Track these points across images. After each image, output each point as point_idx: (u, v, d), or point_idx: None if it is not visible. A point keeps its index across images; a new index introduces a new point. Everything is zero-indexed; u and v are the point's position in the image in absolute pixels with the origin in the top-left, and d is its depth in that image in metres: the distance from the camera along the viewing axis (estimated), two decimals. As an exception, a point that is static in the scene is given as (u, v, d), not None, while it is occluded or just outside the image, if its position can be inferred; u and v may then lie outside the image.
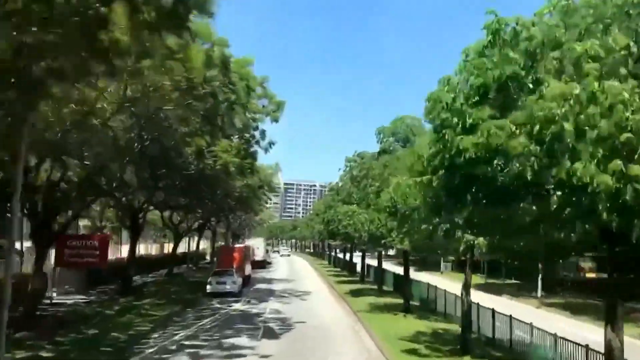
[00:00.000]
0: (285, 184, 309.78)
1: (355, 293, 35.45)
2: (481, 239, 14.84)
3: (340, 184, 34.16)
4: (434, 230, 14.76)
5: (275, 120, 32.31)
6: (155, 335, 21.09)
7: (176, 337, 20.60)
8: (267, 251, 74.08)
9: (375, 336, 20.68)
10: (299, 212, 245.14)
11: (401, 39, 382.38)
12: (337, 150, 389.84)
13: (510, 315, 18.49)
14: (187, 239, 71.21)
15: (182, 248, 73.30)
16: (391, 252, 54.50)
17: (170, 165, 29.76)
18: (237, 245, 44.04)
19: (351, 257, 53.40)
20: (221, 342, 19.80)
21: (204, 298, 33.06)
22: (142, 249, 55.93)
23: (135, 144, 23.47)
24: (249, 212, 70.44)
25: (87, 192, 22.73)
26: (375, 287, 39.11)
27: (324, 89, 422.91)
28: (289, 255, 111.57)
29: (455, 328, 22.12)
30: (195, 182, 32.69)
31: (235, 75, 20.39)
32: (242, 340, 20.21)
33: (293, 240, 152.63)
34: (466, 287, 18.44)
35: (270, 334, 21.45)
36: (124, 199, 33.32)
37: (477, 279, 51.60)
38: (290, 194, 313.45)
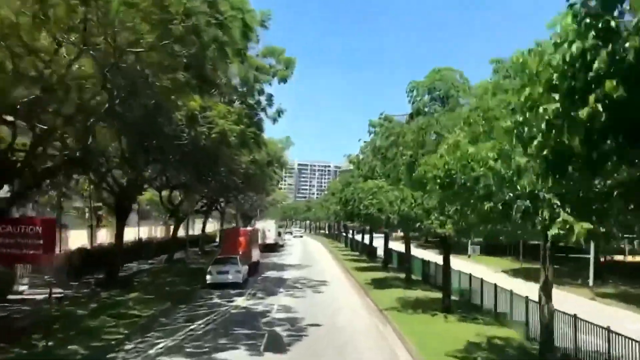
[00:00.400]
0: (299, 164, 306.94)
1: (379, 283, 30.51)
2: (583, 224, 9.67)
3: (361, 157, 29.01)
4: (507, 207, 9.84)
5: (284, 79, 27.12)
6: (129, 346, 16.37)
7: (153, 350, 15.84)
8: (279, 233, 69.30)
9: (413, 348, 15.73)
10: (313, 193, 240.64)
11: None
12: (352, 131, 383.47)
13: (575, 316, 13.52)
14: (193, 221, 66.90)
15: (191, 231, 69.22)
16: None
17: (157, 134, 24.89)
18: (242, 229, 39.17)
19: (371, 240, 48.35)
20: (212, 359, 15.03)
21: (202, 290, 28.38)
22: (144, 232, 51.54)
23: (107, 103, 18.49)
24: (261, 193, 65.77)
25: (40, 163, 17.89)
26: (400, 275, 34.13)
27: (339, 63, 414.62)
28: (301, 237, 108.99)
29: (514, 335, 17.13)
30: (191, 155, 27.81)
31: (225, 4, 15.20)
32: (239, 355, 15.41)
33: (307, 222, 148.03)
34: (546, 289, 13.26)
35: (276, 345, 16.58)
36: (109, 178, 28.57)
37: (508, 263, 46.63)
38: (304, 175, 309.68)
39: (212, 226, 77.69)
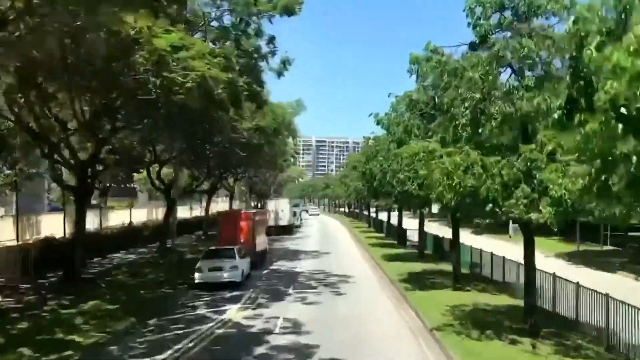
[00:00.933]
0: (317, 141, 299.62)
1: (417, 281, 23.56)
2: None
3: (392, 115, 21.87)
4: None
5: (291, 11, 20.04)
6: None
7: None
8: (294, 214, 62.44)
9: None
10: (332, 170, 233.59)
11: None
12: (370, 106, 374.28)
13: None
14: (200, 201, 60.76)
15: (197, 212, 63.15)
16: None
17: (116, 83, 18.18)
18: (244, 212, 32.32)
19: (400, 220, 41.12)
20: None
21: (189, 293, 21.86)
22: (137, 215, 45.26)
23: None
24: (271, 168, 59.08)
25: None
26: (441, 267, 27.26)
27: (359, 39, 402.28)
28: (318, 215, 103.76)
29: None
30: (168, 118, 21.07)
31: None
32: None
33: (325, 200, 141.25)
34: None
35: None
36: (65, 150, 21.97)
37: (554, 244, 39.61)
38: (322, 152, 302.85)
39: (223, 207, 71.43)
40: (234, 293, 21.73)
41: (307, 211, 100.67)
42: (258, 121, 30.73)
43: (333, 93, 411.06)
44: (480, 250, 24.62)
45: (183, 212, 65.49)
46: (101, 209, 37.78)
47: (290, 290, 22.30)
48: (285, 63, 24.47)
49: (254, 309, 18.93)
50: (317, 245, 42.65)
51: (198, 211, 63.49)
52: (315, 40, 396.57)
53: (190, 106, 19.59)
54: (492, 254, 23.10)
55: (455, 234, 22.94)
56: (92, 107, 20.64)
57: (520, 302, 16.26)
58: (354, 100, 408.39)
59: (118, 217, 42.56)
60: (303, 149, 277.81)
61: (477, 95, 13.39)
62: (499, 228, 53.73)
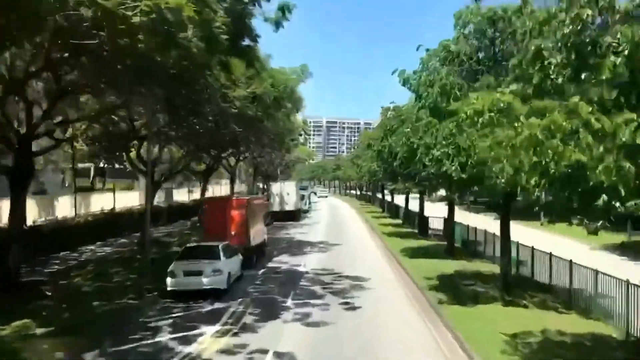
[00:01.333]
0: (327, 122, 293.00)
1: (454, 291, 18.24)
2: None
3: (423, 74, 16.42)
4: None
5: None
6: None
7: None
8: (302, 197, 57.19)
9: None
10: (342, 151, 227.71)
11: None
12: (382, 85, 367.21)
13: None
14: (200, 185, 55.81)
15: (196, 195, 58.47)
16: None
17: (41, 24, 12.94)
18: (236, 198, 26.91)
19: (422, 207, 35.59)
20: None
21: (156, 306, 16.85)
22: (130, 199, 40.37)
23: None
24: (274, 147, 53.74)
25: None
26: (479, 267, 22.11)
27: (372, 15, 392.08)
28: (326, 197, 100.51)
29: None
30: (125, 75, 15.80)
31: None
32: None
33: (336, 182, 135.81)
34: None
35: None
36: None
37: (609, 236, 34.05)
38: (333, 133, 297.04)
39: (226, 191, 66.33)
40: (215, 305, 16.70)
41: (315, 193, 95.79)
42: (254, 88, 25.43)
43: (343, 74, 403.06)
44: (532, 248, 19.30)
45: (181, 195, 60.73)
46: (76, 193, 32.82)
47: (289, 302, 17.18)
48: (283, 10, 18.98)
49: (235, 333, 13.82)
50: (325, 235, 37.52)
51: (198, 194, 58.63)
52: (328, 20, 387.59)
53: (154, 60, 14.39)
54: (551, 254, 17.84)
55: (505, 228, 17.56)
56: (23, 61, 15.46)
57: (607, 328, 11.12)
58: (365, 83, 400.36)
59: (102, 202, 37.79)
60: (313, 130, 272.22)
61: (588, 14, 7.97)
62: (524, 212, 48.33)
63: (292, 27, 20.45)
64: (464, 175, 14.54)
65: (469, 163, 14.13)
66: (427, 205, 38.14)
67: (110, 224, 32.39)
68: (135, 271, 21.64)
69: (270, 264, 24.92)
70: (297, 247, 30.85)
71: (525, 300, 16.38)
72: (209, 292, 17.55)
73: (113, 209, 34.94)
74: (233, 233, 22.86)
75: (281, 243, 32.68)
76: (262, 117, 27.84)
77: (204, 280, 17.55)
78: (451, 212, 27.15)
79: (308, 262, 25.23)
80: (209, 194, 66.49)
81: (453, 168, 14.55)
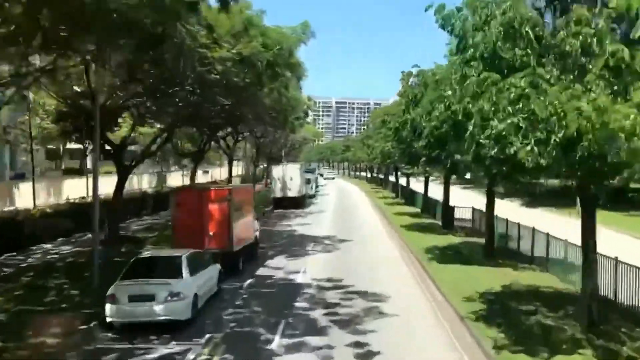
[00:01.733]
0: (336, 102, 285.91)
1: (515, 323, 12.96)
2: None
3: (478, 3, 10.96)
4: None
5: None
6: None
7: None
8: (308, 181, 51.78)
9: None
10: (352, 132, 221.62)
11: None
12: (392, 65, 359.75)
13: None
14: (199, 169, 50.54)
15: (186, 180, 53.68)
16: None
17: None
18: (215, 189, 20.75)
19: (447, 195, 29.88)
20: None
21: (91, 342, 11.73)
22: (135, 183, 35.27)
23: None
24: (283, 129, 48.50)
25: None
26: (527, 275, 16.76)
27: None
28: (333, 179, 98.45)
29: None
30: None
31: None
32: None
33: (345, 164, 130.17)
34: None
35: None
36: None
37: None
38: (342, 113, 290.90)
39: (224, 174, 61.16)
40: (170, 348, 11.53)
41: (321, 175, 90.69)
42: (240, 49, 20.02)
43: (354, 53, 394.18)
44: (616, 260, 13.83)
45: (175, 179, 55.83)
46: (34, 178, 27.70)
47: (276, 341, 11.91)
48: None
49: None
50: (333, 227, 32.23)
51: (200, 179, 53.56)
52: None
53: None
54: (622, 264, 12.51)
55: (590, 232, 12.09)
56: None
57: None
58: (376, 64, 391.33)
59: (80, 188, 33.00)
60: (322, 111, 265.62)
61: None
62: (554, 198, 42.77)
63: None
64: (543, 161, 9.26)
65: (553, 141, 8.94)
66: (439, 188, 32.70)
67: (80, 216, 27.25)
68: (83, 284, 16.60)
69: (260, 271, 19.73)
70: (298, 245, 25.65)
71: (621, 339, 11.04)
72: (160, 326, 12.40)
73: (83, 198, 29.86)
74: (211, 234, 17.65)
75: (279, 239, 27.50)
76: (253, 86, 22.42)
77: (157, 308, 12.35)
78: (490, 203, 21.51)
79: (310, 268, 20.00)
80: (207, 179, 61.51)
81: (528, 149, 9.18)
